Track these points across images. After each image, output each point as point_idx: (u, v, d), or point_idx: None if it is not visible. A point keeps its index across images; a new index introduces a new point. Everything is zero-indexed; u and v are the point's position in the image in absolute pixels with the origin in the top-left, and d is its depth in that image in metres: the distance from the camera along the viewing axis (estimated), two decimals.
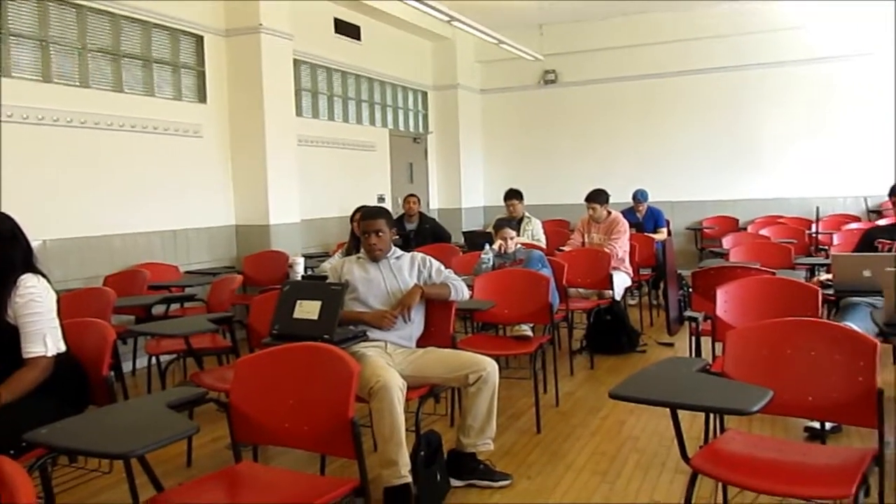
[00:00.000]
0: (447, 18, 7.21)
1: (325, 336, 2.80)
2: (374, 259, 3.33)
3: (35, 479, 1.96)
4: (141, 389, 4.60)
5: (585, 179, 7.87)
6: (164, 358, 4.23)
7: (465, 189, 10.26)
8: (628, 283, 5.83)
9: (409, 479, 2.75)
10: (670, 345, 5.63)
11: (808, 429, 3.42)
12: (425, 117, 10.08)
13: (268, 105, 6.35)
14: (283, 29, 6.52)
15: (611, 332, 5.38)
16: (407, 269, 3.35)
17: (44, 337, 2.44)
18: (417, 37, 9.53)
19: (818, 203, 7.81)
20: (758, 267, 4.14)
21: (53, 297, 2.54)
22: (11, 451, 2.08)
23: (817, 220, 7.19)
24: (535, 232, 6.42)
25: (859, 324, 3.13)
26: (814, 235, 6.93)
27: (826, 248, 6.30)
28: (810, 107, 8.95)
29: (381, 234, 3.29)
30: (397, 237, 3.92)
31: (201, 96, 6.25)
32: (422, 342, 3.31)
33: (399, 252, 3.43)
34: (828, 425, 3.23)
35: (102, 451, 1.93)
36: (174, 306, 5.03)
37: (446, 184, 10.24)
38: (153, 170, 5.73)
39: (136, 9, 5.60)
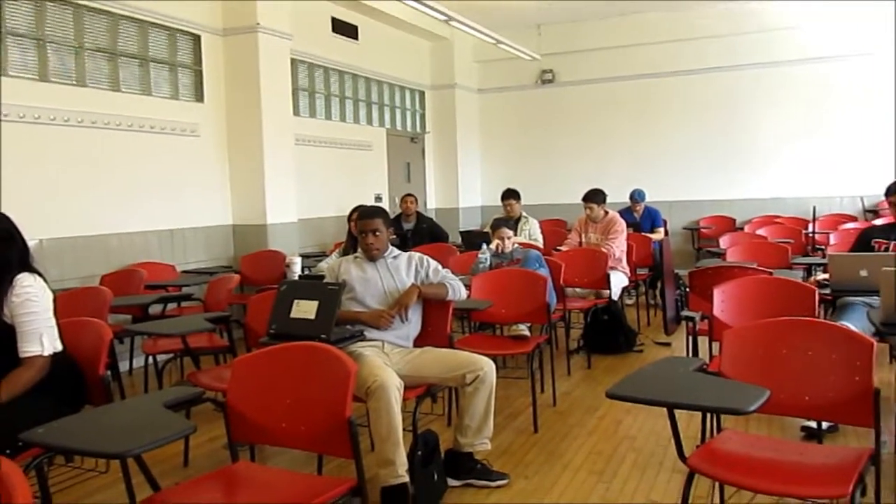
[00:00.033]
0: (445, 18, 7.20)
1: (323, 336, 2.80)
2: (372, 258, 3.32)
3: (31, 479, 1.95)
4: (138, 389, 4.61)
5: (583, 179, 7.86)
6: (160, 357, 4.23)
7: (462, 189, 10.26)
8: (625, 282, 5.83)
9: (407, 478, 2.75)
10: (667, 344, 5.64)
11: (804, 428, 3.42)
12: (423, 117, 10.07)
13: (265, 104, 6.35)
14: (281, 28, 6.51)
15: (608, 332, 5.39)
16: (404, 268, 3.34)
17: (40, 336, 2.44)
18: (415, 36, 9.52)
19: (815, 203, 7.85)
20: (755, 267, 4.15)
21: (50, 296, 2.53)
22: (8, 451, 2.08)
23: (814, 219, 7.21)
24: (532, 231, 6.42)
25: (856, 323, 3.14)
26: (810, 235, 6.94)
27: (823, 247, 6.31)
28: (806, 107, 8.96)
29: (378, 233, 3.28)
30: (394, 237, 3.92)
31: (198, 96, 6.24)
32: (419, 342, 3.31)
33: (396, 252, 3.42)
34: (824, 425, 3.24)
35: (99, 450, 1.93)
36: (171, 306, 5.02)
37: (443, 183, 10.24)
38: (150, 169, 5.72)
39: (134, 8, 5.59)
